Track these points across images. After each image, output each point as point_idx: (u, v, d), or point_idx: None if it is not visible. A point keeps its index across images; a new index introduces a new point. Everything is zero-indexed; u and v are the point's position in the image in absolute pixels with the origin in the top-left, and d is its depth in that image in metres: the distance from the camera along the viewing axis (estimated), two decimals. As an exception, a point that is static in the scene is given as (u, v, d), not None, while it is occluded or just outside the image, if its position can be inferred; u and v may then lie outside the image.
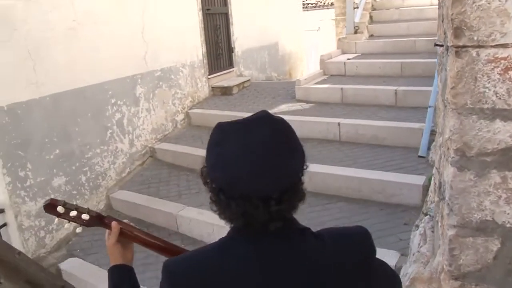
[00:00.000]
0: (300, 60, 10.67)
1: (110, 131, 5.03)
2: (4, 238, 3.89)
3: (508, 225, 1.55)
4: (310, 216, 3.97)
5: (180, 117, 6.35)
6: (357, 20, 7.65)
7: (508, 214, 1.54)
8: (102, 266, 3.95)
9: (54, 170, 4.31)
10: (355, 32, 7.61)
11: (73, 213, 1.38)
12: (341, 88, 5.94)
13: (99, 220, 1.41)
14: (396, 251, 3.23)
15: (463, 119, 1.51)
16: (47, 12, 4.23)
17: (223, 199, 1.04)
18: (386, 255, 3.19)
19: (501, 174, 1.51)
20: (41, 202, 4.16)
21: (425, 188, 3.69)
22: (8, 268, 1.69)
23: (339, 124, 5.06)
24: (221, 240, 1.10)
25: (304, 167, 1.09)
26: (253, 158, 0.99)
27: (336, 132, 5.09)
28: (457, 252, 1.66)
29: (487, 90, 1.46)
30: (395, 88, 5.60)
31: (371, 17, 8.38)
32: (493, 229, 1.57)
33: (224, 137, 1.04)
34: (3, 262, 1.66)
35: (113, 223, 1.37)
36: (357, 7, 7.85)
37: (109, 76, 4.96)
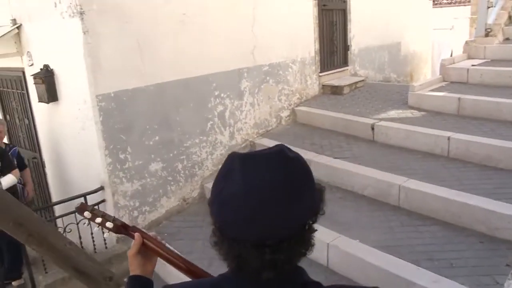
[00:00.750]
0: (424, 61, 9.96)
1: (211, 122, 5.15)
2: (101, 213, 4.22)
3: None
4: (398, 236, 3.69)
5: (285, 113, 6.30)
6: (490, 21, 6.86)
7: None
8: (184, 253, 4.08)
9: (152, 156, 4.54)
10: (486, 35, 6.83)
11: (98, 220, 1.41)
12: (459, 98, 5.39)
13: (124, 229, 1.43)
14: (488, 295, 2.84)
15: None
16: (159, 6, 4.43)
17: (219, 237, 0.99)
18: (475, 297, 2.84)
19: None
20: (137, 184, 4.43)
21: (538, 226, 3.20)
22: (58, 256, 1.81)
23: (449, 138, 4.60)
24: (218, 276, 1.06)
25: (320, 212, 1.01)
26: (252, 201, 0.92)
27: (444, 147, 4.64)
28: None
29: None
30: (524, 102, 4.93)
31: (510, 17, 7.46)
32: None
33: (231, 171, 0.97)
34: (55, 250, 1.77)
35: (136, 235, 1.38)
36: (493, 6, 7.02)
37: (214, 69, 5.07)
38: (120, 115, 4.22)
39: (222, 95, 5.24)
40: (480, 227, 3.56)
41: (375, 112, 5.77)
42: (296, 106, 6.43)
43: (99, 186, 4.23)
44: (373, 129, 5.30)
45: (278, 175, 0.94)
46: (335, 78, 7.15)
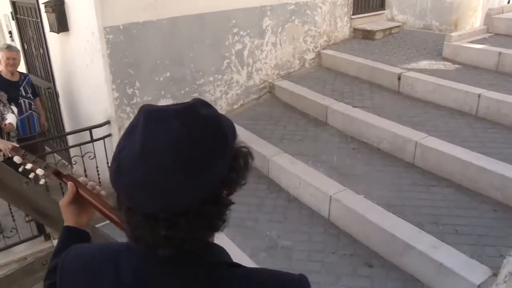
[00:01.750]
0: (473, 10, 9.17)
1: (228, 61, 4.93)
2: (107, 146, 4.18)
3: None
4: (406, 195, 3.50)
5: (310, 56, 5.98)
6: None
7: None
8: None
9: (162, 92, 4.41)
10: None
11: (29, 166, 1.29)
12: (499, 53, 4.93)
13: (57, 176, 1.31)
14: (489, 267, 2.65)
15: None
16: None
17: (117, 201, 0.86)
18: (474, 268, 2.67)
19: None
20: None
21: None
22: (14, 195, 1.73)
23: (479, 96, 4.24)
24: (123, 244, 0.93)
25: (240, 182, 0.86)
26: (145, 166, 0.76)
27: (473, 104, 4.29)
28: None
29: None
30: None
31: None
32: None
33: (135, 127, 0.81)
34: (9, 189, 1.69)
35: (69, 184, 1.25)
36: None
37: (235, 5, 4.78)
38: (129, 48, 4.06)
39: (241, 33, 4.97)
40: (496, 194, 3.32)
41: (405, 61, 5.39)
42: (323, 49, 6.08)
43: (105, 120, 4.16)
44: (399, 79, 4.96)
45: (180, 136, 0.77)
46: (368, 22, 6.68)
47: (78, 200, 1.24)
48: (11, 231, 4.08)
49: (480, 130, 4.03)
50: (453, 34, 5.57)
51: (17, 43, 5.79)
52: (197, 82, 4.70)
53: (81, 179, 1.29)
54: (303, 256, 3.21)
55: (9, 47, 4.58)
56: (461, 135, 3.94)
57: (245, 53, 5.10)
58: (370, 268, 3.03)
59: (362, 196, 3.51)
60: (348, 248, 3.24)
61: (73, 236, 1.21)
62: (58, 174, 1.30)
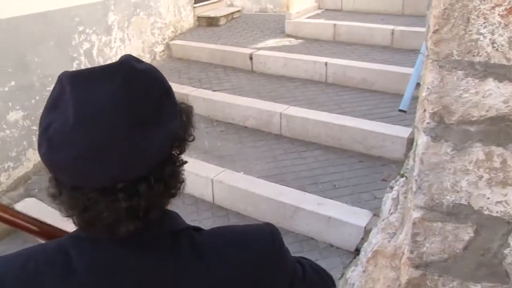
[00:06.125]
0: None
1: (77, 61, 4.56)
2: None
3: (486, 212, 1.23)
4: (282, 164, 3.67)
5: (160, 48, 5.86)
6: None
7: (488, 198, 1.21)
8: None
9: (10, 104, 3.85)
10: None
11: None
12: (334, 25, 5.44)
13: None
14: (369, 210, 2.94)
15: (445, 75, 1.15)
16: None
17: (56, 187, 0.73)
18: (357, 213, 2.93)
19: (486, 149, 1.17)
20: None
21: (410, 141, 3.35)
22: None
23: (326, 64, 4.63)
24: (65, 237, 0.80)
25: (188, 138, 0.80)
26: (86, 133, 0.66)
27: (322, 72, 4.66)
28: (421, 238, 1.35)
29: (481, 38, 1.08)
30: (392, 27, 5.12)
31: None
32: (467, 215, 1.26)
33: (60, 98, 0.70)
34: None
35: None
36: None
37: (76, 1, 4.43)
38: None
39: (87, 30, 4.63)
40: (359, 147, 3.67)
41: (252, 42, 5.62)
42: (171, 40, 6.01)
43: None
44: (251, 59, 5.15)
45: (121, 94, 0.68)
46: (210, 9, 6.80)
47: None
48: None
49: (332, 94, 4.40)
50: (292, 12, 5.94)
51: None
52: (47, 89, 4.23)
53: None
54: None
55: None
56: (318, 101, 4.26)
57: (94, 52, 4.77)
58: (266, 237, 3.12)
59: (242, 173, 3.58)
60: (240, 224, 3.29)
61: None
62: None
